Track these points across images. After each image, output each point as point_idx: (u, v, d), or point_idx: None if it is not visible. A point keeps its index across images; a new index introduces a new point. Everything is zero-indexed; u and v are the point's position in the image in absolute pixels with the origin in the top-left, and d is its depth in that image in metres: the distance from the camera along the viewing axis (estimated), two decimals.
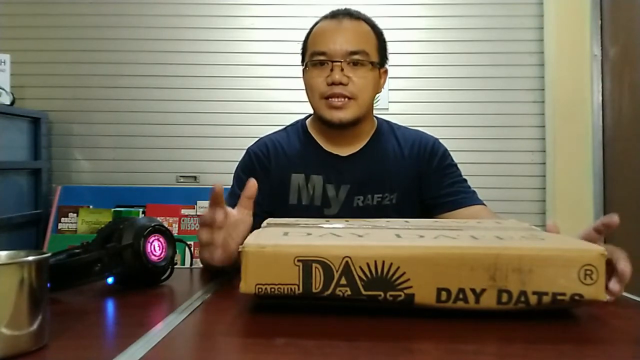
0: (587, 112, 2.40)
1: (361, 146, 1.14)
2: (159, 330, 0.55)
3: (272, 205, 1.08)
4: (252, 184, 0.82)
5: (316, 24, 1.13)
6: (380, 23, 1.16)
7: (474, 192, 1.14)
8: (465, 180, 1.16)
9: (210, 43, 2.59)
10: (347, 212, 1.09)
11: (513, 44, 2.54)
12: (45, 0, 2.61)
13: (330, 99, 1.05)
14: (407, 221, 0.80)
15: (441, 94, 2.54)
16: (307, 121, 1.20)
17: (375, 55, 1.09)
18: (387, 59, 1.15)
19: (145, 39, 2.59)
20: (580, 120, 2.40)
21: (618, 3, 2.30)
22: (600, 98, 2.38)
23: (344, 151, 1.13)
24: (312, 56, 1.07)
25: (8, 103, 2.30)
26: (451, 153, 1.19)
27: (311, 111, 1.18)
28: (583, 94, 2.40)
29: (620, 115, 2.27)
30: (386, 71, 1.15)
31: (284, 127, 1.22)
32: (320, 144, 1.14)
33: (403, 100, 2.54)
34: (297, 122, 1.22)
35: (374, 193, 1.11)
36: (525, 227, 0.76)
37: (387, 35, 1.16)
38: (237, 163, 1.19)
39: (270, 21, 2.57)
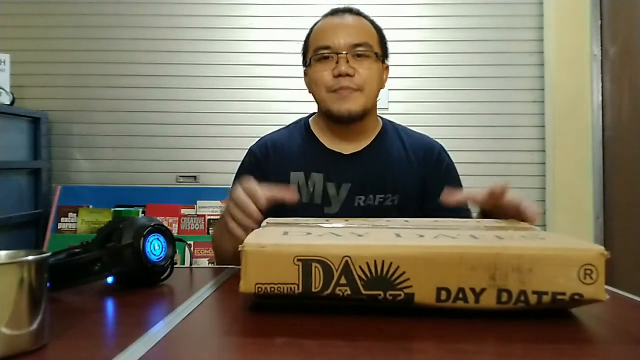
0: (587, 112, 2.40)
1: (365, 145, 1.13)
2: (159, 330, 0.55)
3: (271, 204, 1.08)
4: (292, 194, 0.89)
5: (316, 24, 1.14)
6: (380, 23, 1.17)
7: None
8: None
9: (210, 43, 2.59)
10: (348, 211, 1.08)
11: (513, 44, 2.54)
12: (45, 0, 2.61)
13: (337, 92, 1.05)
14: (407, 221, 0.80)
15: (441, 94, 2.54)
16: (311, 120, 1.19)
17: (378, 48, 1.10)
18: (388, 55, 1.15)
19: (145, 39, 2.60)
20: (580, 120, 2.40)
21: (618, 3, 2.30)
22: (600, 98, 2.38)
23: (347, 149, 1.13)
24: (316, 52, 1.08)
25: (8, 103, 2.30)
26: (451, 153, 1.18)
27: (312, 110, 1.18)
28: (583, 94, 2.40)
29: (620, 115, 2.27)
30: (388, 67, 1.15)
31: (287, 125, 1.22)
32: (323, 142, 1.14)
33: (403, 100, 2.54)
34: (300, 120, 1.21)
35: (376, 193, 1.10)
36: (525, 227, 0.76)
37: (388, 36, 1.16)
38: (239, 162, 1.19)
39: (269, 21, 2.58)
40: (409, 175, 1.12)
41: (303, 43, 1.15)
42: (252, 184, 0.87)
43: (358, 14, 1.12)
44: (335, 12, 1.12)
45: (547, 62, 2.48)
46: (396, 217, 1.04)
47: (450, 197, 0.87)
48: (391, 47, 1.18)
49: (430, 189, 1.12)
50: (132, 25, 2.60)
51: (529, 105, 2.53)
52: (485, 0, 2.55)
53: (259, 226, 0.80)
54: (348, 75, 1.04)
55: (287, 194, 0.87)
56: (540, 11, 2.52)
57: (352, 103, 1.06)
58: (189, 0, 2.59)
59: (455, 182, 1.15)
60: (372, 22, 1.13)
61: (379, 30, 1.13)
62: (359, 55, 1.06)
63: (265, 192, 0.86)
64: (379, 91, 1.12)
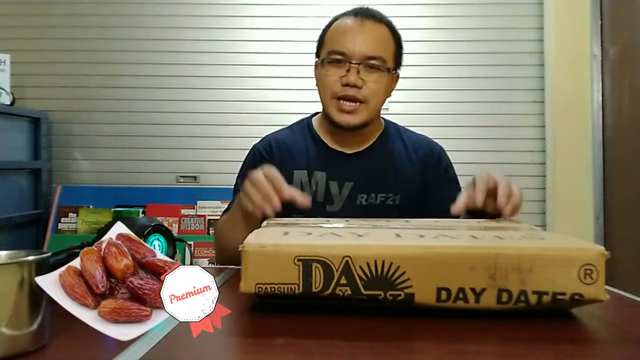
0: (587, 112, 2.40)
1: (367, 145, 1.14)
2: (159, 331, 0.55)
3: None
4: (306, 201, 0.88)
5: (336, 19, 1.11)
6: None
7: None
8: None
9: (210, 43, 2.59)
10: (350, 209, 1.08)
11: (513, 44, 2.54)
12: (45, 0, 2.61)
13: (341, 101, 1.05)
14: (407, 221, 0.80)
15: (441, 94, 2.54)
16: (314, 119, 1.19)
17: (392, 62, 1.09)
18: (401, 63, 1.14)
19: (145, 39, 2.60)
20: (580, 120, 2.40)
21: (618, 3, 2.30)
22: (600, 98, 2.38)
23: (349, 149, 1.13)
24: (330, 54, 1.06)
25: (8, 103, 2.30)
26: (451, 153, 1.19)
27: (312, 110, 1.18)
28: (583, 94, 2.40)
29: (620, 115, 2.27)
30: (398, 76, 1.14)
31: (289, 125, 1.22)
32: (325, 141, 1.14)
33: (403, 100, 2.53)
34: (303, 119, 1.21)
35: (378, 192, 1.10)
36: (525, 226, 0.76)
37: None
38: (239, 162, 1.19)
39: (270, 21, 2.57)
40: (410, 175, 1.12)
41: (319, 35, 1.13)
42: (272, 170, 0.87)
43: (380, 20, 1.08)
44: (356, 14, 1.07)
45: (547, 62, 2.48)
46: (397, 215, 1.05)
47: (455, 207, 0.87)
48: None
49: (429, 188, 1.13)
50: (132, 25, 2.60)
51: (529, 105, 2.53)
52: (485, 0, 2.55)
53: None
54: (355, 86, 1.03)
55: (301, 199, 0.87)
56: (540, 11, 2.52)
57: (353, 117, 1.05)
58: (190, 0, 2.59)
59: (453, 181, 1.16)
60: (392, 29, 1.09)
61: (397, 39, 1.10)
62: (370, 67, 1.05)
63: (284, 185, 0.86)
64: (384, 101, 1.11)
